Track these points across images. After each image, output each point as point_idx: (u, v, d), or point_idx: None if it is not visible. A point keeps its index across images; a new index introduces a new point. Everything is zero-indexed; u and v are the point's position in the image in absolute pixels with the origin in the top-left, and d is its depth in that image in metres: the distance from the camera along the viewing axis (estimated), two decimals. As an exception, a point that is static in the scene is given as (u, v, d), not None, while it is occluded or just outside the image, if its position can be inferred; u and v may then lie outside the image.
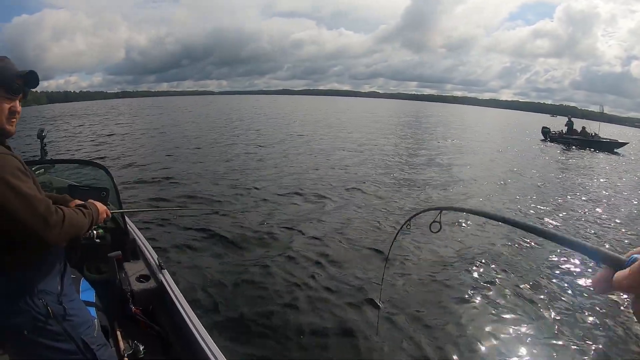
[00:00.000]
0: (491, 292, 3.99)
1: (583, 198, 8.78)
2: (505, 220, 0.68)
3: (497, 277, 4.32)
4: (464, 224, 5.93)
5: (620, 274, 0.33)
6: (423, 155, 14.13)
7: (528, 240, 5.27)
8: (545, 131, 23.15)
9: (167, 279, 2.44)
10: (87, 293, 1.93)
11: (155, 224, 5.48)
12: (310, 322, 3.36)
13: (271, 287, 3.91)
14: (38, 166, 2.82)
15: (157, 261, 2.58)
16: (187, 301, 2.24)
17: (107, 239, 2.50)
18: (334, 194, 7.71)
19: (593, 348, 3.20)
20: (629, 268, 0.32)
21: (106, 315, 1.98)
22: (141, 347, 2.07)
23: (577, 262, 4.64)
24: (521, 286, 4.12)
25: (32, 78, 1.33)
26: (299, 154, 12.99)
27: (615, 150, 19.87)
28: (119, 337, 2.05)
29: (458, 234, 5.53)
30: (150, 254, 2.72)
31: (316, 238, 5.26)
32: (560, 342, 3.25)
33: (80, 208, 1.44)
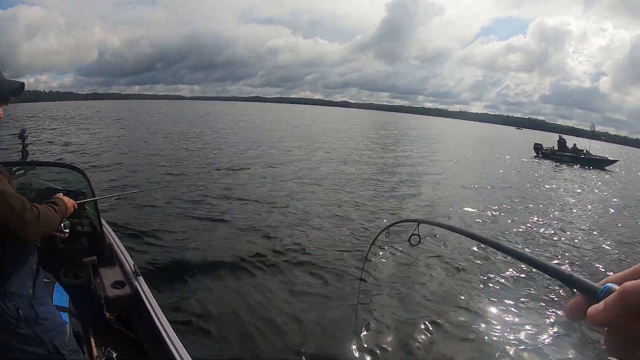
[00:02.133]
0: (471, 310, 3.94)
1: (571, 215, 9.00)
2: (482, 241, 0.70)
3: (475, 295, 4.26)
4: (441, 237, 5.77)
5: (593, 308, 0.32)
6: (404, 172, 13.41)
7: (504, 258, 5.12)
8: (538, 147, 23.38)
9: (142, 285, 2.40)
10: (61, 298, 1.85)
11: (133, 230, 5.44)
12: (286, 332, 3.35)
13: (247, 295, 3.88)
14: (19, 167, 2.76)
15: (133, 267, 2.54)
16: (162, 308, 2.21)
17: (84, 243, 2.58)
18: (309, 204, 7.74)
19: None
20: (604, 302, 0.31)
21: (80, 321, 1.90)
22: (114, 354, 2.05)
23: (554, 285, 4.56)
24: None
25: (20, 89, 1.42)
26: (270, 164, 12.39)
27: (605, 168, 20.00)
28: (93, 344, 2.01)
29: (435, 247, 5.50)
30: (126, 259, 2.69)
31: (296, 244, 5.34)
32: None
33: (51, 205, 1.43)
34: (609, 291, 0.32)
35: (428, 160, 16.19)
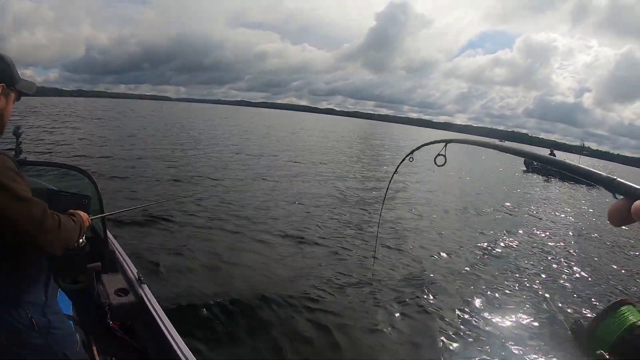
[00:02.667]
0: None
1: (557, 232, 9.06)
2: (511, 152, 0.68)
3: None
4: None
5: (639, 203, 0.32)
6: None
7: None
8: (528, 162, 23.68)
9: (147, 293, 2.33)
10: (65, 305, 1.78)
11: (135, 237, 5.25)
12: (299, 339, 3.36)
13: (256, 304, 3.78)
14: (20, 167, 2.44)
15: (136, 275, 2.47)
16: (169, 317, 2.13)
17: (86, 249, 2.30)
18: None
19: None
20: None
21: (83, 328, 1.85)
22: None
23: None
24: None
25: (34, 89, 1.37)
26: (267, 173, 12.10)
27: (594, 184, 20.64)
28: (95, 353, 1.96)
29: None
30: (129, 267, 2.61)
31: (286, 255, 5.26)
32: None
33: (72, 217, 1.38)
34: None
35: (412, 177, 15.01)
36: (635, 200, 0.33)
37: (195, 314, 3.53)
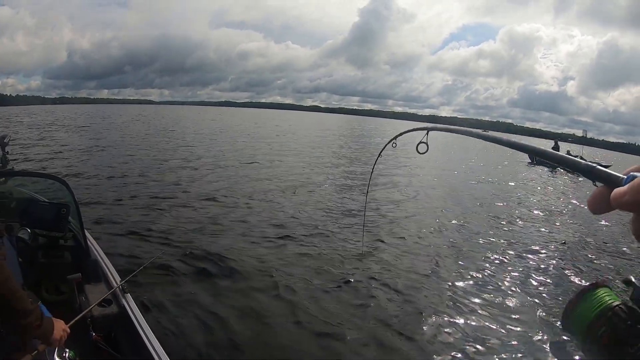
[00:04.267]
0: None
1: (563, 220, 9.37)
2: (492, 139, 0.69)
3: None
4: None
5: (618, 190, 0.32)
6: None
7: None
8: (532, 155, 23.48)
9: (130, 303, 2.29)
10: None
11: (119, 245, 5.29)
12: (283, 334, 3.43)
13: (239, 315, 3.74)
14: None
15: (119, 284, 2.42)
16: (151, 328, 2.11)
17: (67, 258, 2.47)
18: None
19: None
20: (629, 185, 0.31)
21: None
22: None
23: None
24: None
25: None
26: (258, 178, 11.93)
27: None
28: None
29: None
30: (112, 276, 2.55)
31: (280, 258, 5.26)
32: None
33: (31, 309, 1.24)
34: (633, 178, 0.32)
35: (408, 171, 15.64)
36: (615, 188, 0.33)
37: (179, 324, 3.52)
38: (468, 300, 4.31)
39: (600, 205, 0.36)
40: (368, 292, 4.40)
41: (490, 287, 4.72)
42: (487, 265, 5.47)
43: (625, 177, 0.34)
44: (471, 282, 4.83)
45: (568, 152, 22.01)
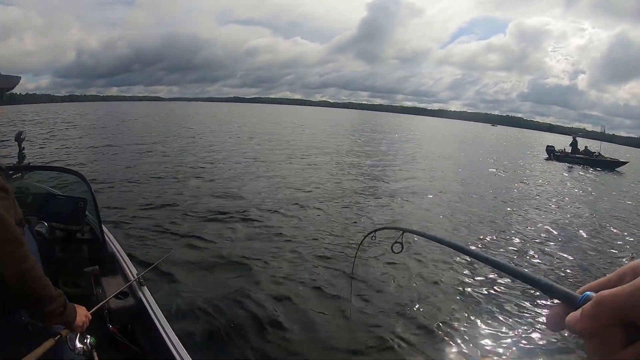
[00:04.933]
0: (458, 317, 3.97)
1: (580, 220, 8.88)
2: (463, 251, 0.72)
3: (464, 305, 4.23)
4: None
5: (571, 316, 0.32)
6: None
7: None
8: (550, 150, 23.47)
9: (147, 296, 2.27)
10: None
11: (136, 237, 5.30)
12: (294, 344, 3.31)
13: (254, 309, 3.73)
14: (15, 171, 2.68)
15: (136, 276, 2.37)
16: (168, 320, 2.10)
17: (84, 252, 2.50)
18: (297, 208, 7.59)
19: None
20: (580, 310, 0.31)
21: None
22: None
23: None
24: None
25: (14, 83, 1.36)
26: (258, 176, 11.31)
27: (616, 169, 20.19)
28: (95, 357, 1.69)
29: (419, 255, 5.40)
30: (129, 268, 2.54)
31: (295, 252, 5.23)
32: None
33: (59, 294, 1.28)
34: (587, 299, 0.32)
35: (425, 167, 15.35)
36: (572, 311, 0.33)
37: (196, 317, 3.50)
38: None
39: (557, 325, 0.36)
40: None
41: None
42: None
43: (580, 296, 0.34)
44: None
45: (586, 148, 21.65)
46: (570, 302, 0.35)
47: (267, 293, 4.05)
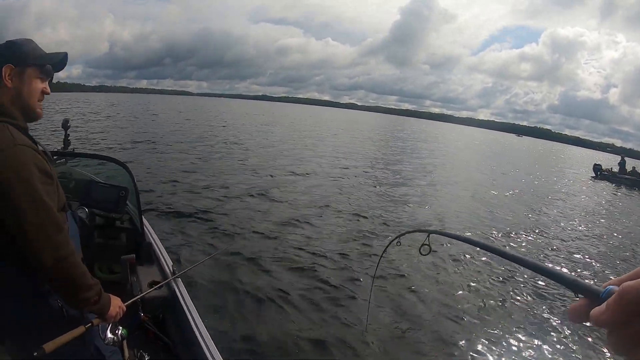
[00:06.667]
0: (482, 318, 3.94)
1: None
2: (489, 249, 0.75)
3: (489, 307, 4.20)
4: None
5: (596, 310, 0.33)
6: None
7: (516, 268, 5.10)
8: (597, 168, 22.28)
9: (180, 287, 2.27)
10: None
11: (174, 230, 5.33)
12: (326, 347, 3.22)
13: (288, 311, 3.67)
14: (59, 156, 2.73)
15: (171, 268, 2.43)
16: (199, 313, 2.09)
17: (122, 240, 2.54)
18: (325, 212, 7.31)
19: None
20: (605, 303, 0.32)
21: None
22: (146, 357, 1.98)
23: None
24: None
25: (63, 62, 1.30)
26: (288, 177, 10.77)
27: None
28: (124, 345, 1.86)
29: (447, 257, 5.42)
30: (165, 259, 2.56)
31: (316, 254, 5.08)
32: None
33: (95, 282, 1.23)
34: (610, 293, 0.33)
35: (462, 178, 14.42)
36: (595, 305, 0.34)
37: (228, 313, 3.50)
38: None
39: (580, 318, 0.37)
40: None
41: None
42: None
43: (604, 290, 0.35)
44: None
45: (634, 169, 19.99)
46: (593, 296, 0.36)
47: (309, 303, 3.86)
